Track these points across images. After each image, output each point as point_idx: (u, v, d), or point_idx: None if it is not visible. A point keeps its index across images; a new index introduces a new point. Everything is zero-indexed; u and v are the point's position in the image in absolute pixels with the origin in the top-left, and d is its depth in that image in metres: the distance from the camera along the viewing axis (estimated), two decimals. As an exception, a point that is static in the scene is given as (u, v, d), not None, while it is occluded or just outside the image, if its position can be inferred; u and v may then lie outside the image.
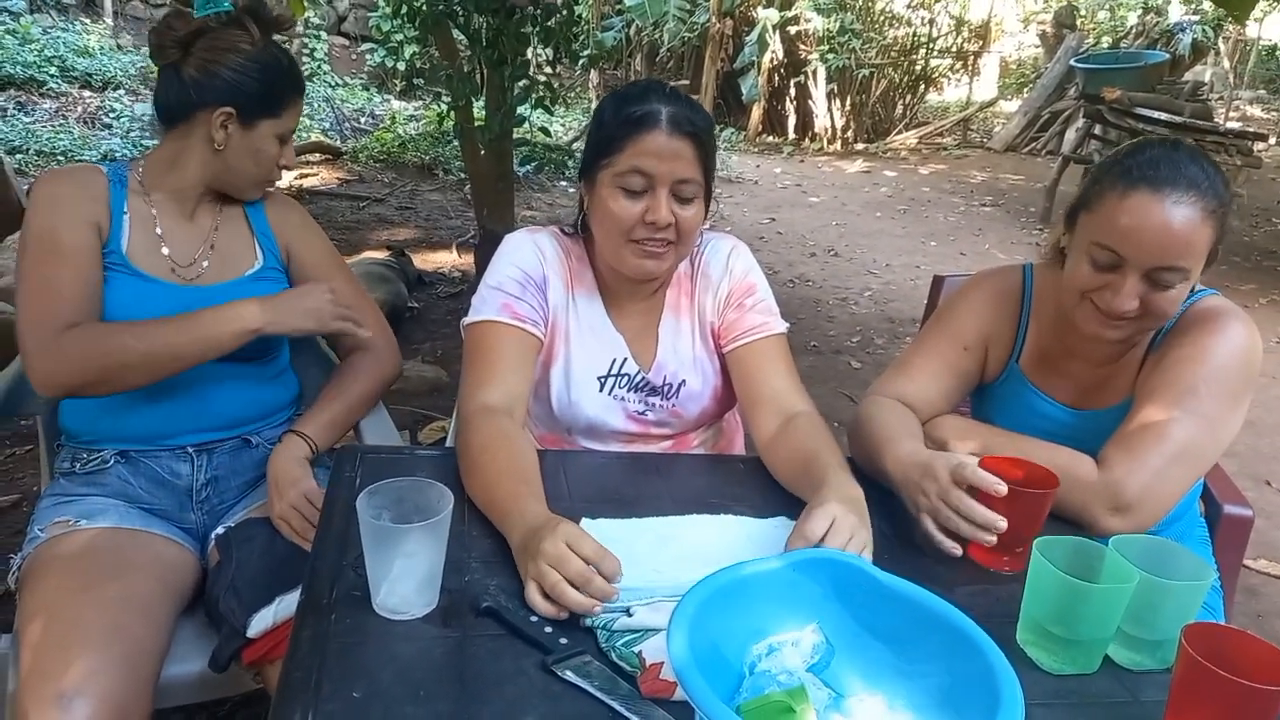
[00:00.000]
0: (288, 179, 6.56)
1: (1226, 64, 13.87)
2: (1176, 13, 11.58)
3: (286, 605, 1.23)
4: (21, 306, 1.35)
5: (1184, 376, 1.27)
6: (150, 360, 1.34)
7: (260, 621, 1.23)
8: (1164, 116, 6.80)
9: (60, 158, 5.95)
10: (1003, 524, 1.07)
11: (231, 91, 1.41)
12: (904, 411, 1.41)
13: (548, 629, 0.95)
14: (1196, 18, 10.87)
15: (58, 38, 7.81)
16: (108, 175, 1.45)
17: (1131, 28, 11.80)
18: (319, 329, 1.48)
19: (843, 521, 1.04)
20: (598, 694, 0.88)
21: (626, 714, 0.86)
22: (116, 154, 6.16)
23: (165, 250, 1.47)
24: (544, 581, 0.96)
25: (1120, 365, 1.40)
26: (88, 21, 8.70)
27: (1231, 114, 12.74)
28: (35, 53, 7.32)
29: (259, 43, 1.44)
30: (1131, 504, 1.22)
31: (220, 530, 1.42)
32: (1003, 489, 1.07)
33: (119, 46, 8.42)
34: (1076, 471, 1.25)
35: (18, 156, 5.79)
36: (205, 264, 1.50)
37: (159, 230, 1.47)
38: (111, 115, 6.88)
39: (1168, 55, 10.21)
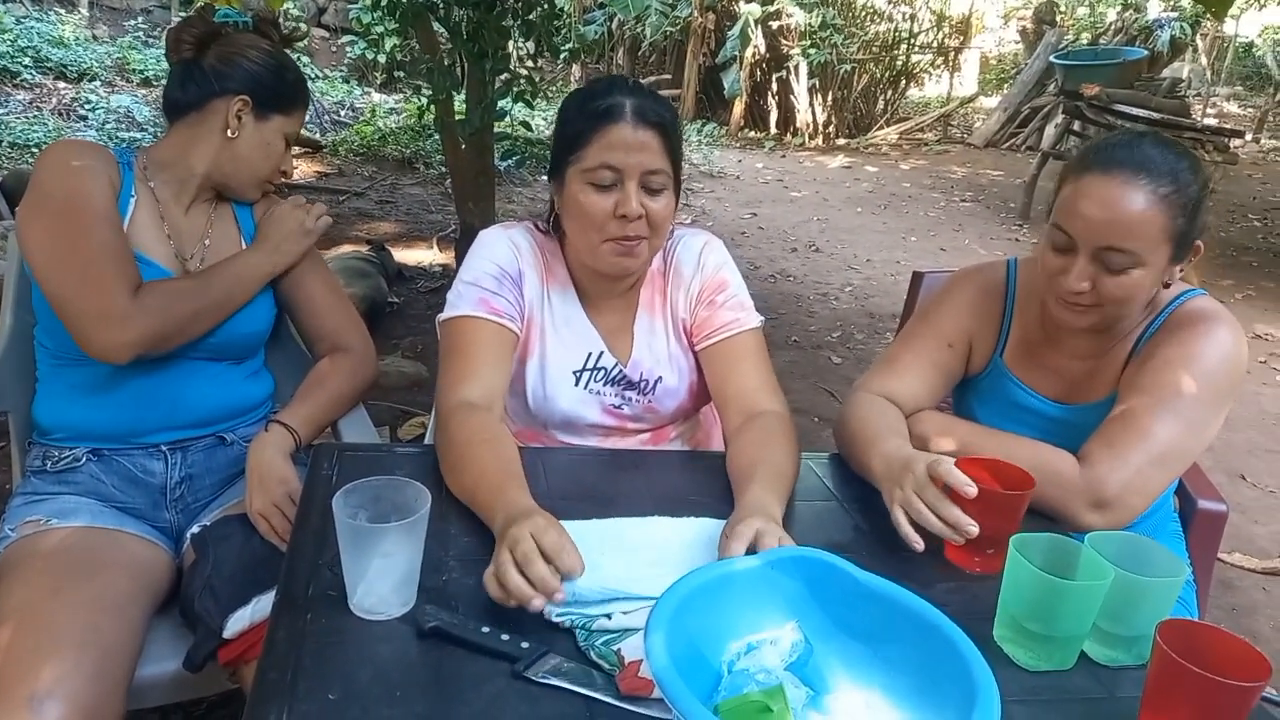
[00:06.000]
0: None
1: (1204, 61, 14.00)
2: (1155, 9, 11.65)
3: (263, 606, 1.22)
4: (72, 275, 1.32)
5: (1170, 378, 1.28)
6: (213, 309, 1.43)
7: (237, 622, 1.22)
8: (1141, 113, 6.85)
9: (35, 150, 5.86)
10: (974, 529, 1.07)
11: (251, 81, 1.46)
12: (889, 408, 1.41)
13: (504, 636, 0.93)
14: (1175, 14, 10.96)
15: (32, 28, 7.69)
16: (116, 157, 1.45)
17: (1110, 24, 11.89)
18: (312, 241, 1.58)
19: (765, 536, 1.03)
20: (575, 688, 0.87)
21: (606, 700, 0.86)
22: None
23: (170, 239, 1.47)
24: (496, 565, 0.96)
25: (1105, 361, 1.41)
26: (62, 12, 8.57)
27: (1208, 110, 12.86)
28: (8, 43, 7.21)
29: (278, 45, 1.52)
30: (1111, 501, 1.23)
31: (196, 529, 1.41)
32: (972, 490, 1.06)
33: (94, 37, 8.31)
34: (1058, 467, 1.26)
35: (-9, 148, 5.72)
36: (201, 260, 1.50)
37: (163, 218, 1.47)
38: (87, 107, 6.79)
39: (1146, 52, 10.30)
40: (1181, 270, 1.32)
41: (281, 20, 1.58)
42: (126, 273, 1.35)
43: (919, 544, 1.12)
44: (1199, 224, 1.28)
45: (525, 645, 0.92)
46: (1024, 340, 1.48)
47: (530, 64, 5.17)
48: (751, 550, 1.00)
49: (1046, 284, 1.33)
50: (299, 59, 9.27)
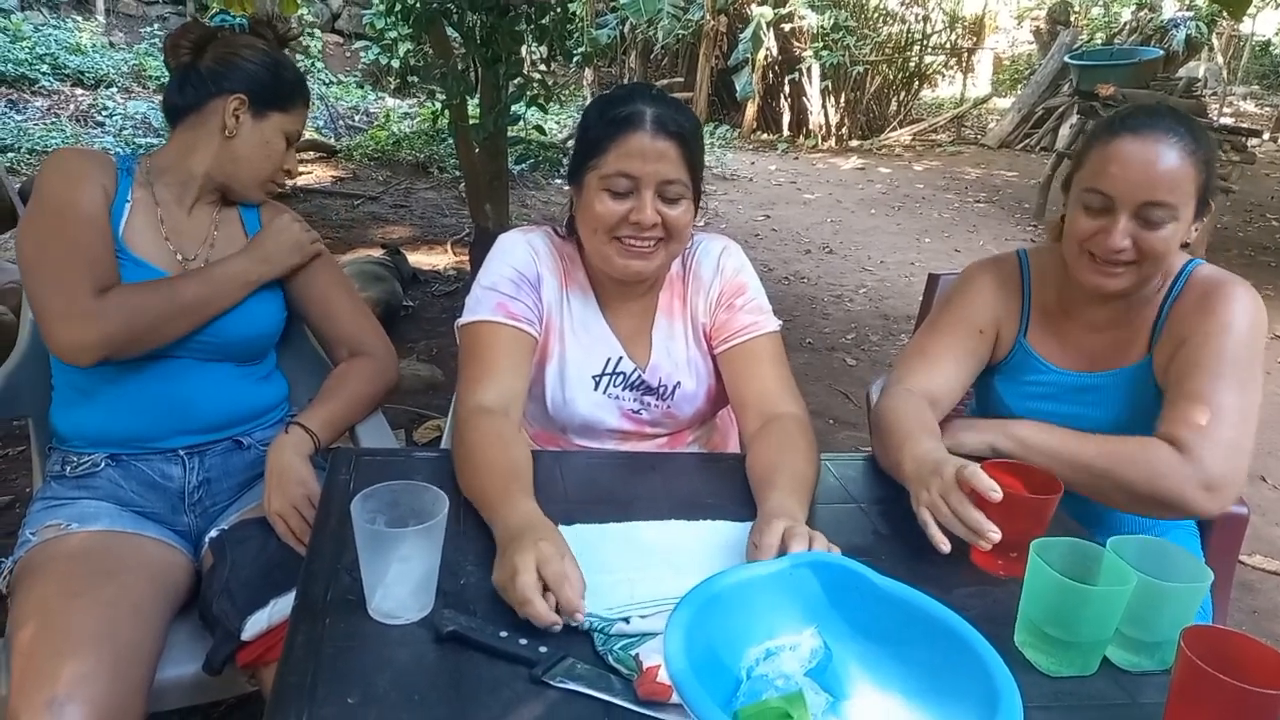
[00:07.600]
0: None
1: (1220, 60, 13.89)
2: (1170, 9, 11.58)
3: (281, 608, 1.22)
4: (45, 274, 1.33)
5: (1215, 351, 1.32)
6: (185, 312, 1.41)
7: (255, 624, 1.22)
8: (1158, 113, 6.79)
9: (52, 156, 5.91)
10: (996, 535, 1.08)
11: (247, 79, 1.46)
12: (924, 406, 1.41)
13: (522, 641, 0.93)
14: (1190, 14, 10.88)
15: (49, 35, 7.77)
16: (116, 164, 1.46)
17: (1125, 24, 11.80)
18: (304, 259, 1.57)
19: (794, 530, 1.03)
20: (593, 693, 0.87)
21: (624, 705, 0.86)
22: (110, 151, 6.12)
23: (168, 242, 1.48)
24: (498, 586, 0.99)
25: (1131, 329, 1.44)
26: (80, 19, 8.66)
27: (1225, 110, 12.76)
28: (27, 50, 7.28)
29: (274, 44, 1.52)
30: (1219, 479, 1.25)
31: (214, 533, 1.41)
32: (997, 495, 1.07)
33: (111, 44, 8.39)
34: (1154, 454, 1.27)
35: (9, 155, 5.78)
36: (205, 262, 1.50)
37: (162, 221, 1.47)
38: (104, 114, 6.85)
39: (1161, 51, 10.22)
40: (1196, 228, 1.36)
41: (279, 22, 1.60)
42: (96, 273, 1.35)
43: (945, 545, 1.12)
44: (1213, 182, 1.36)
45: (543, 650, 0.92)
46: (1044, 320, 1.53)
47: (543, 68, 5.18)
48: (781, 552, 1.00)
49: (1077, 250, 1.37)
50: (312, 63, 9.34)
